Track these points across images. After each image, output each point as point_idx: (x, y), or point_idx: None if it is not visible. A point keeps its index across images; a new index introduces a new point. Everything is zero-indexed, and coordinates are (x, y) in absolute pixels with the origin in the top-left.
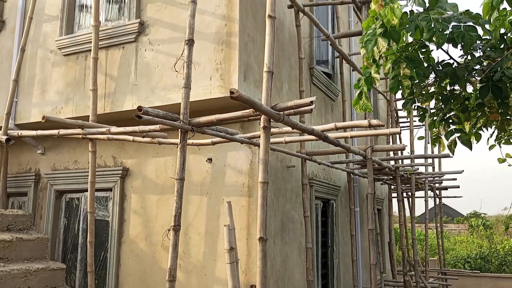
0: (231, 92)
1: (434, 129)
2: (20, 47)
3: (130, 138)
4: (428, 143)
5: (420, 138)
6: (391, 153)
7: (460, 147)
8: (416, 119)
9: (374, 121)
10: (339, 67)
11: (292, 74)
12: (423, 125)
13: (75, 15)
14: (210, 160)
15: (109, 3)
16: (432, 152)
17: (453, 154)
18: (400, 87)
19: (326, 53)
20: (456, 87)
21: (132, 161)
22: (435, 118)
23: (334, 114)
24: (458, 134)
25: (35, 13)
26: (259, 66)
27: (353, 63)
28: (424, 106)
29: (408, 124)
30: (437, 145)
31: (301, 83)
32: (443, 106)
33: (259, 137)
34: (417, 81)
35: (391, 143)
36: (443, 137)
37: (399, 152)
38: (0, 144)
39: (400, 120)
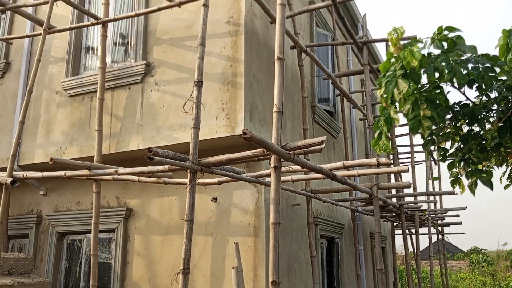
0: (244, 133)
1: (454, 169)
2: (27, 88)
3: (136, 178)
4: (430, 179)
5: (435, 179)
6: (393, 190)
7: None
8: (417, 155)
9: (383, 160)
10: (340, 105)
11: (295, 112)
12: (423, 161)
13: (81, 57)
14: (215, 199)
15: (116, 46)
16: (433, 188)
17: (474, 195)
18: (420, 127)
19: (327, 91)
20: (474, 127)
21: (136, 201)
22: (454, 158)
23: (336, 151)
24: (479, 174)
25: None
26: (263, 105)
27: (353, 101)
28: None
29: (408, 160)
30: (456, 186)
31: (305, 121)
32: (461, 146)
33: (267, 176)
34: (437, 121)
35: (392, 179)
36: (462, 177)
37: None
38: (5, 186)
39: (400, 156)
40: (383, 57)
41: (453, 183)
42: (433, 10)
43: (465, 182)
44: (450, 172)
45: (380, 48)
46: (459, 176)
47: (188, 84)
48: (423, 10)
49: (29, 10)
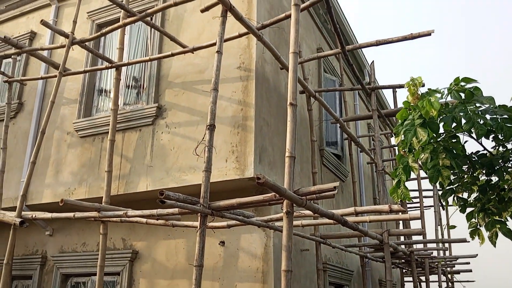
0: (257, 178)
1: (472, 220)
2: (39, 129)
3: (143, 220)
4: (439, 225)
5: (451, 227)
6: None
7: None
8: (426, 200)
9: (395, 207)
10: (348, 149)
11: (303, 156)
12: (431, 206)
13: (94, 99)
14: (223, 243)
15: (128, 88)
16: (443, 235)
17: (495, 246)
18: (440, 177)
19: (335, 135)
20: (492, 178)
21: (142, 244)
22: (473, 208)
23: (344, 195)
24: (499, 226)
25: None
26: (273, 148)
27: (361, 145)
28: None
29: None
30: (476, 236)
31: (314, 165)
32: (480, 196)
33: (276, 220)
34: (456, 171)
35: (400, 225)
36: (482, 228)
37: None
38: (13, 226)
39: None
40: (390, 101)
41: (472, 234)
42: (442, 58)
43: (485, 232)
44: (469, 222)
45: (387, 93)
46: (478, 226)
47: (198, 127)
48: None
49: (44, 53)
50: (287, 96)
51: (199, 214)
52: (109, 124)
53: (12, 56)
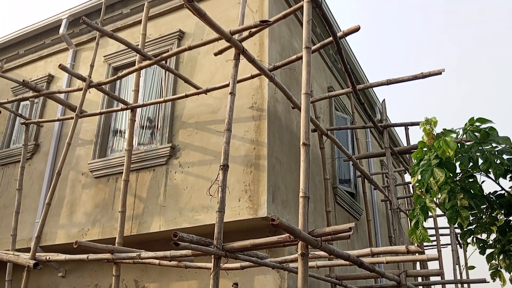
0: (272, 220)
1: (493, 261)
2: (55, 170)
3: (156, 261)
4: (457, 264)
5: (470, 268)
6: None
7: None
8: (442, 239)
9: (413, 247)
10: (362, 186)
11: (317, 194)
12: (448, 244)
13: (109, 139)
14: (236, 285)
15: (143, 129)
16: (461, 276)
17: None
18: (459, 218)
19: (348, 173)
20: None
21: (155, 285)
22: (492, 250)
23: (359, 233)
24: None
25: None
26: (285, 187)
27: (375, 183)
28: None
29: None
30: (496, 278)
31: (328, 203)
32: (500, 237)
33: (291, 261)
34: (475, 211)
35: (417, 265)
36: (503, 270)
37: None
38: (27, 268)
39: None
40: (402, 138)
41: (493, 275)
42: (453, 93)
43: (506, 274)
44: (489, 264)
45: (399, 130)
46: (499, 268)
47: (211, 166)
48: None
49: (61, 95)
50: (299, 135)
51: (212, 256)
52: (123, 164)
53: (30, 99)
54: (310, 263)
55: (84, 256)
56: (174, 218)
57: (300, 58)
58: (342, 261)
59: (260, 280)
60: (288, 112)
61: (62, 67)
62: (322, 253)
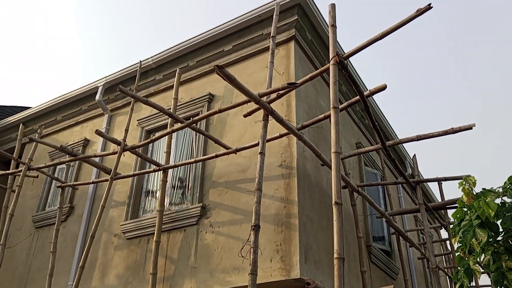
0: (307, 283)
1: None
2: (89, 233)
3: None
4: None
5: None
6: None
7: None
8: None
9: None
10: (397, 244)
11: (350, 253)
12: None
13: (141, 200)
14: None
15: (174, 189)
16: None
17: None
18: (505, 280)
19: (381, 230)
20: None
21: None
22: None
23: None
24: None
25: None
26: (318, 246)
27: (410, 240)
28: None
29: None
30: None
31: (362, 263)
32: None
33: None
34: None
35: None
36: None
37: None
38: None
39: None
40: (435, 193)
41: None
42: (485, 143)
43: None
44: None
45: (431, 185)
46: None
47: (242, 226)
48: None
49: (96, 158)
50: (329, 192)
51: None
52: (155, 225)
53: (66, 163)
54: None
55: None
56: (205, 280)
57: (328, 116)
58: None
59: None
60: (317, 170)
61: (98, 133)
62: None
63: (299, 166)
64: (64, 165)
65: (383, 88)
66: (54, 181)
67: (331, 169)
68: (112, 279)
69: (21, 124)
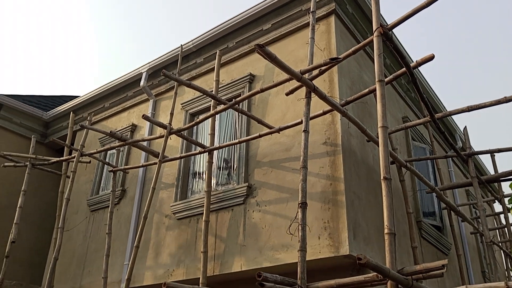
0: (359, 258)
1: None
2: (141, 214)
3: None
4: None
5: None
6: None
7: None
8: None
9: None
10: (448, 219)
11: (400, 229)
12: None
13: (188, 182)
14: None
15: (220, 170)
16: None
17: None
18: None
19: (431, 205)
20: None
21: None
22: None
23: (449, 270)
24: None
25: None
26: (366, 223)
27: (462, 214)
28: None
29: None
30: None
31: (413, 239)
32: None
33: None
34: None
35: None
36: None
37: None
38: None
39: None
40: (488, 165)
41: None
42: None
43: None
44: None
45: (483, 157)
46: None
47: (288, 204)
48: None
49: (144, 143)
50: (376, 168)
51: None
52: (203, 206)
53: (116, 148)
54: None
55: None
56: (255, 257)
57: (372, 91)
58: None
59: None
60: (363, 146)
61: (145, 117)
62: None
63: (344, 143)
64: (114, 150)
65: (431, 58)
66: (105, 166)
67: (377, 145)
68: (165, 257)
69: (71, 112)
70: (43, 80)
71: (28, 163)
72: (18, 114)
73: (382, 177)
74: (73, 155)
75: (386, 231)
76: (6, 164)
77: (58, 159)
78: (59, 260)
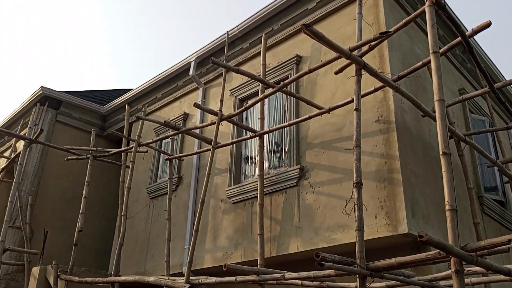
0: (420, 236)
1: None
2: (198, 199)
3: (299, 282)
4: None
5: None
6: None
7: None
8: None
9: None
10: (511, 193)
11: (460, 205)
12: None
13: (241, 166)
14: None
15: (271, 153)
16: None
17: None
18: None
19: (493, 179)
20: None
21: None
22: None
23: None
24: None
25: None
26: (425, 200)
27: None
28: None
29: None
30: None
31: (475, 215)
32: None
33: (441, 279)
34: None
35: None
36: None
37: None
38: None
39: None
40: None
41: None
42: None
43: None
44: None
45: None
46: None
47: (342, 185)
48: None
49: (196, 130)
50: (433, 144)
51: (357, 275)
52: (257, 189)
53: (170, 137)
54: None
55: (232, 278)
56: (311, 238)
57: (426, 64)
58: (500, 277)
59: None
60: (418, 121)
61: (196, 105)
62: (477, 268)
63: (398, 119)
64: (169, 139)
65: (487, 25)
66: (161, 155)
67: (433, 120)
68: (223, 240)
69: (126, 105)
70: (96, 75)
71: (89, 155)
72: (77, 109)
73: (441, 152)
74: (131, 146)
75: (447, 207)
76: (69, 157)
77: (117, 150)
78: (124, 246)
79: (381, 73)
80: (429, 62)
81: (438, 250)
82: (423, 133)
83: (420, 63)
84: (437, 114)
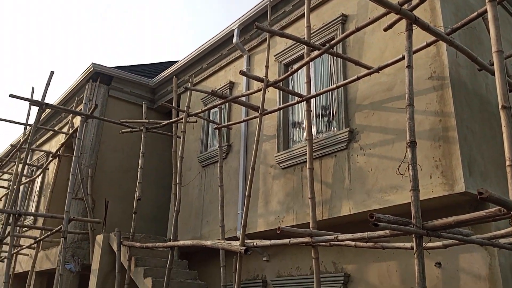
0: (479, 193)
1: None
2: (249, 166)
3: (352, 243)
4: None
5: None
6: None
7: None
8: None
9: None
10: None
11: None
12: None
13: (289, 132)
14: (439, 264)
15: (319, 117)
16: None
17: None
18: None
19: None
20: None
21: (352, 267)
22: None
23: None
24: None
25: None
26: (482, 158)
27: None
28: None
29: None
30: None
31: None
32: None
33: (501, 237)
34: None
35: None
36: None
37: None
38: (239, 254)
39: None
40: None
41: None
42: None
43: None
44: None
45: None
46: None
47: (394, 145)
48: None
49: (243, 98)
50: (490, 99)
51: (413, 235)
52: (306, 154)
53: (218, 106)
54: None
55: (286, 241)
56: (363, 200)
57: (481, 14)
58: None
59: (466, 259)
60: (474, 76)
61: (242, 73)
62: None
63: (452, 74)
64: (216, 109)
65: None
66: (210, 124)
67: (490, 73)
68: (274, 205)
69: (174, 77)
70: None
71: (142, 127)
72: (127, 83)
73: (500, 106)
74: (180, 117)
75: (507, 163)
76: (124, 130)
77: (168, 121)
78: (180, 213)
79: (433, 26)
80: (485, 12)
81: (498, 207)
82: (479, 88)
83: (475, 13)
84: (496, 66)
